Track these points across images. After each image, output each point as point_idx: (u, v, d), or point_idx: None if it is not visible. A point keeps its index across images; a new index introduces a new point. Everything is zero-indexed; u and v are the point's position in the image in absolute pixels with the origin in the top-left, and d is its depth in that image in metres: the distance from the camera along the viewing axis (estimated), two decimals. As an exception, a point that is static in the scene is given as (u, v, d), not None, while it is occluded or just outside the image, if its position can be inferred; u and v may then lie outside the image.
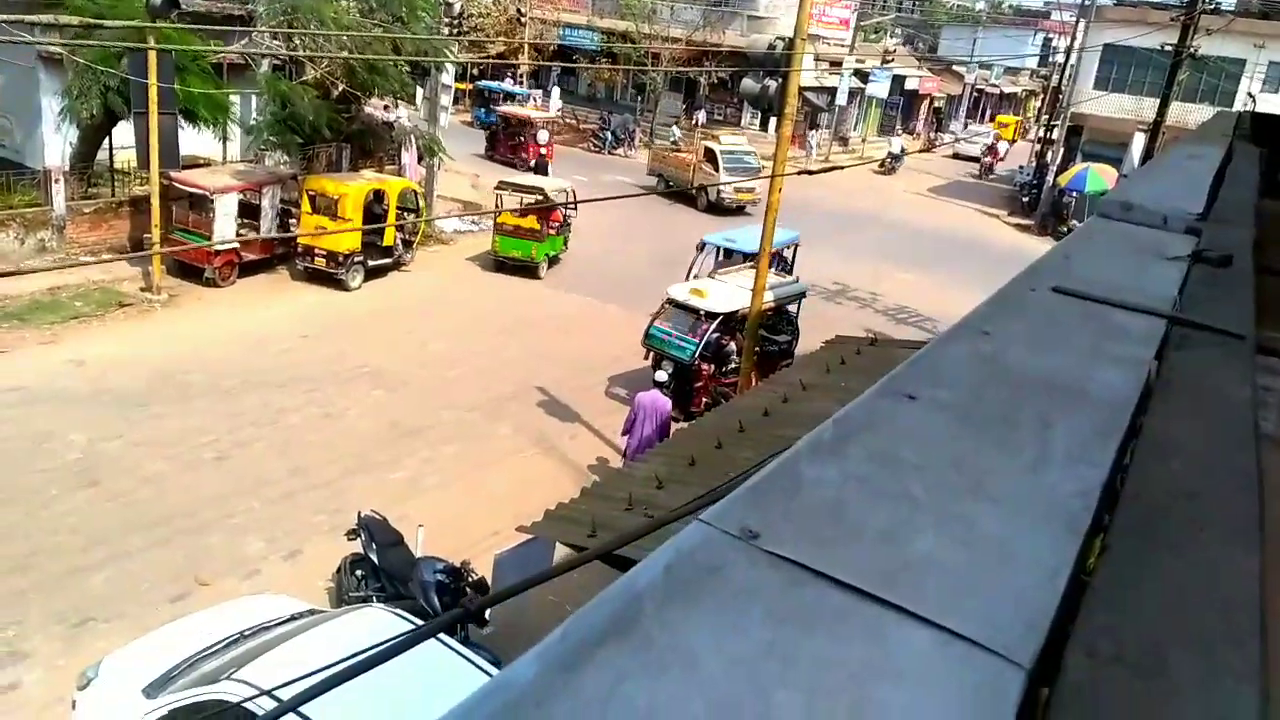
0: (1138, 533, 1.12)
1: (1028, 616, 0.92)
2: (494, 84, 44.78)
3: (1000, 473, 1.20)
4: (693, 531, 0.98)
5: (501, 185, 24.07)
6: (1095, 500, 1.15)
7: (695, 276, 18.44)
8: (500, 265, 23.46)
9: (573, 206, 23.62)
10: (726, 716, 0.77)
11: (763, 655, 0.84)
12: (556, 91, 47.56)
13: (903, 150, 50.32)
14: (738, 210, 31.87)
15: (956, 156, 55.51)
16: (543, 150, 34.14)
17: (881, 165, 46.79)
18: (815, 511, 1.05)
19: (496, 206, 23.64)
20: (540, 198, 23.29)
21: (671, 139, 41.50)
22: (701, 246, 19.51)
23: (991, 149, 53.20)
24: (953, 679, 0.83)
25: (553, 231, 23.54)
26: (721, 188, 31.79)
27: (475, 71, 45.25)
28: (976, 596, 0.94)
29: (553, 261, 23.96)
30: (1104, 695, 0.85)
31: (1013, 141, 60.42)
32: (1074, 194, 34.63)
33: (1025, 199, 40.87)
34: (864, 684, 0.81)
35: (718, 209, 32.12)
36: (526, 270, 23.40)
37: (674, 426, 13.64)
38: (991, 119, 71.50)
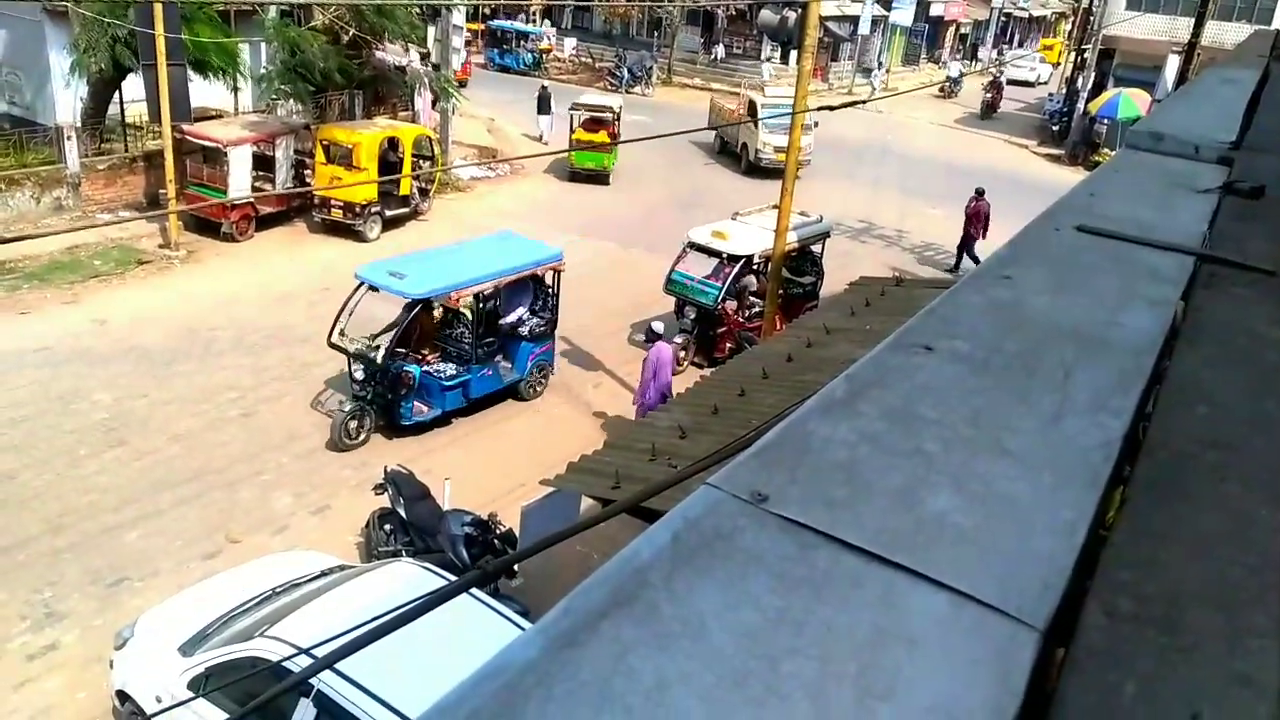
0: (1159, 484, 1.11)
1: (1043, 575, 0.91)
2: (506, 23, 44.37)
3: (1018, 426, 1.19)
4: (700, 496, 0.98)
5: (575, 106, 27.68)
6: (1116, 451, 1.14)
7: (341, 333, 13.56)
8: (574, 175, 27.02)
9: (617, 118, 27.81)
10: (736, 687, 0.77)
11: (773, 623, 0.84)
12: (548, 27, 46.90)
13: (961, 74, 50.87)
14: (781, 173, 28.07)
15: (1009, 82, 54.99)
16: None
17: (941, 90, 46.44)
18: (826, 472, 1.04)
19: (571, 125, 27.12)
20: (610, 115, 27.61)
21: (763, 77, 39.84)
22: (360, 285, 13.82)
23: (994, 83, 46.70)
24: (966, 644, 0.83)
25: (613, 144, 26.86)
26: (759, 147, 28.48)
27: (487, 11, 44.81)
28: (991, 557, 0.94)
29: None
30: (1121, 654, 0.84)
31: (1057, 65, 59.08)
32: (1106, 121, 34.03)
33: (1055, 128, 40.20)
34: (875, 651, 0.81)
35: (756, 170, 28.57)
36: (595, 179, 26.88)
37: (696, 374, 13.64)
38: (1020, 44, 70.29)
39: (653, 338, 13.78)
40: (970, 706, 0.77)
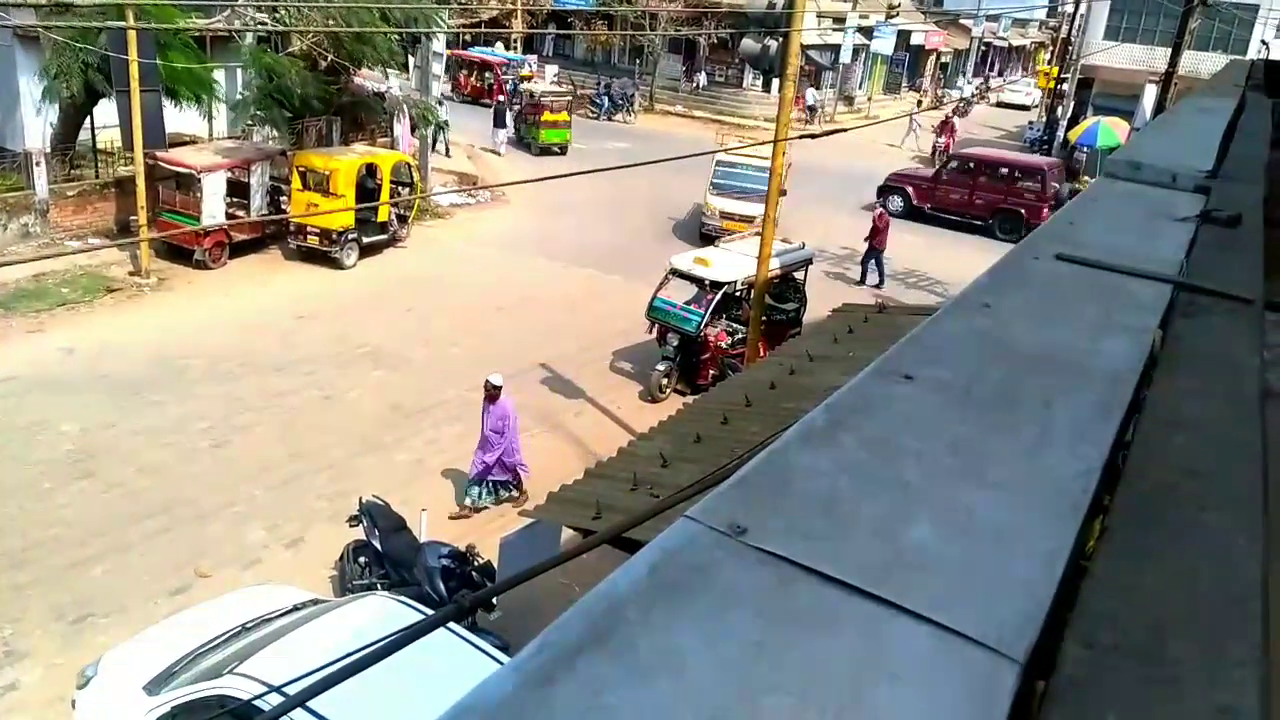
0: (1139, 514, 1.12)
1: (1023, 607, 0.92)
2: (487, 50, 44.58)
3: (998, 456, 1.20)
4: (678, 529, 0.98)
5: (545, 94, 34.59)
6: (1095, 481, 1.15)
7: None
8: (544, 150, 32.89)
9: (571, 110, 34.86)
10: (714, 722, 0.77)
11: (752, 658, 0.84)
12: (533, 59, 47.23)
13: (974, 95, 53.58)
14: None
15: (1000, 105, 58.32)
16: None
17: (955, 109, 46.84)
18: (806, 504, 1.05)
19: (538, 110, 33.50)
20: (571, 96, 35.79)
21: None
22: None
23: (945, 124, 39.27)
24: (945, 677, 0.83)
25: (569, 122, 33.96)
26: (706, 212, 24.95)
27: (467, 38, 45.06)
28: (971, 589, 0.94)
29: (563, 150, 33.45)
30: (1101, 686, 0.85)
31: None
32: (1085, 149, 34.41)
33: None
34: (855, 685, 0.82)
35: (706, 238, 23.48)
36: (555, 153, 32.64)
37: (678, 401, 13.61)
38: (1000, 73, 71.02)
39: (493, 391, 12.56)
40: (950, 740, 0.77)
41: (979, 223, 28.19)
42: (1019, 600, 0.92)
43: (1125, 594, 0.97)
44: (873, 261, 22.94)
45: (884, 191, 29.33)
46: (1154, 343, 1.62)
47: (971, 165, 29.67)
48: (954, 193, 28.94)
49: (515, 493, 12.78)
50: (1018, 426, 1.28)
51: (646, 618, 0.86)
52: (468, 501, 12.58)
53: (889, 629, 0.88)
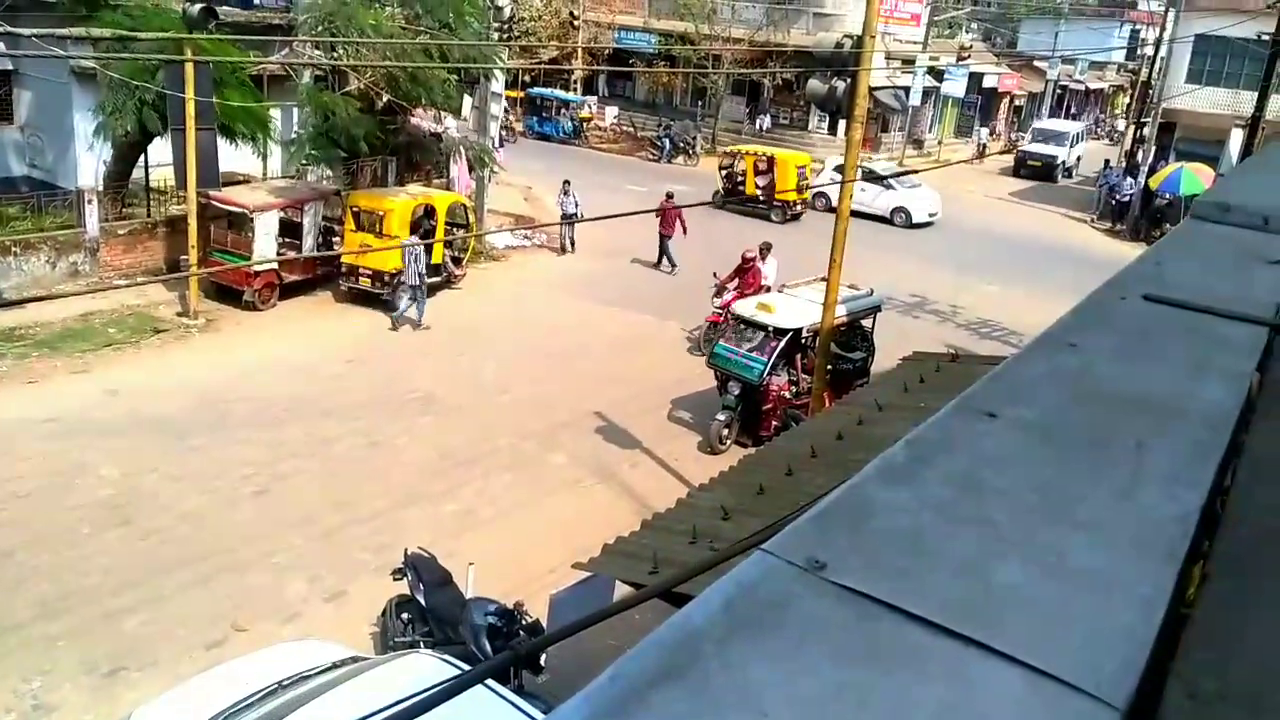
0: (1241, 559, 1.10)
1: (1122, 653, 0.90)
2: (547, 91, 45.29)
3: (1089, 497, 1.18)
4: (755, 563, 0.98)
5: None
6: (1193, 525, 1.13)
7: None
8: None
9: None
10: (793, 761, 0.77)
11: (833, 696, 0.83)
12: (593, 100, 47.79)
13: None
14: None
15: (1019, 170, 48.42)
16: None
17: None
18: (887, 540, 1.04)
19: None
20: None
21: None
22: None
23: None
24: (1040, 721, 0.82)
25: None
26: None
27: (527, 78, 45.82)
28: (1066, 631, 0.93)
29: None
30: (1206, 738, 0.83)
31: None
32: (1167, 196, 34.07)
33: (1114, 202, 40.21)
34: (942, 726, 0.81)
35: None
36: None
37: (740, 453, 13.50)
38: (1076, 117, 70.50)
39: None
40: (1045, 786, 0.76)
41: None
42: (1118, 645, 0.91)
43: (1230, 642, 0.95)
44: (664, 251, 25.68)
45: None
46: (1251, 386, 1.59)
47: None
48: None
49: None
50: (1108, 468, 1.26)
51: (723, 652, 0.86)
52: None
53: (978, 670, 0.86)
